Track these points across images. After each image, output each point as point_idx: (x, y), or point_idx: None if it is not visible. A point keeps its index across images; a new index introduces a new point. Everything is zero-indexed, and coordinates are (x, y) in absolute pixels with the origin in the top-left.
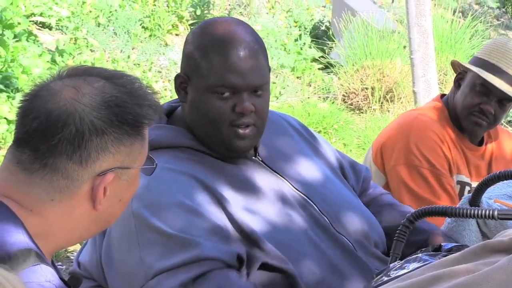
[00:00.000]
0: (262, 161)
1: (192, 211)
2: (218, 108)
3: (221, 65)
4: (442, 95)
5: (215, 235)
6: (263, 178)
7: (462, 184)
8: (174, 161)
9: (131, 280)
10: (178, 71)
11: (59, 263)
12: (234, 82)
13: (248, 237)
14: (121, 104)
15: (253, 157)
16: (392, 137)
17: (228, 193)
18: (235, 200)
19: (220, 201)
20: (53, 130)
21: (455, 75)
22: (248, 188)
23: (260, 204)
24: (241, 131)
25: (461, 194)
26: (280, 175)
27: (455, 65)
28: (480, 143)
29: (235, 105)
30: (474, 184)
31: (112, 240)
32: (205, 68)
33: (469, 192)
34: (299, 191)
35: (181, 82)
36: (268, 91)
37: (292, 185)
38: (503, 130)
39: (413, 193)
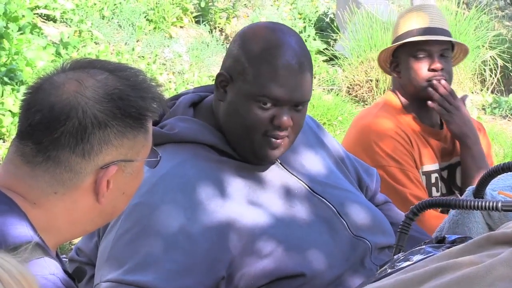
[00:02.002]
0: (281, 163)
1: (179, 242)
2: (257, 116)
3: (268, 76)
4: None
5: (184, 273)
6: (279, 179)
7: (427, 174)
8: (192, 160)
9: (97, 264)
10: (183, 63)
11: (63, 256)
12: (279, 96)
13: (243, 232)
14: (124, 97)
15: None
16: (355, 143)
17: (235, 190)
18: (239, 196)
19: (223, 198)
20: (56, 123)
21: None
22: (258, 185)
23: (264, 199)
24: (273, 141)
25: (428, 183)
26: (297, 177)
27: (381, 61)
28: (441, 126)
29: (274, 117)
30: (443, 164)
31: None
32: (251, 75)
33: (436, 179)
34: (315, 192)
35: (222, 80)
36: (307, 106)
37: (307, 186)
38: None
39: (387, 191)
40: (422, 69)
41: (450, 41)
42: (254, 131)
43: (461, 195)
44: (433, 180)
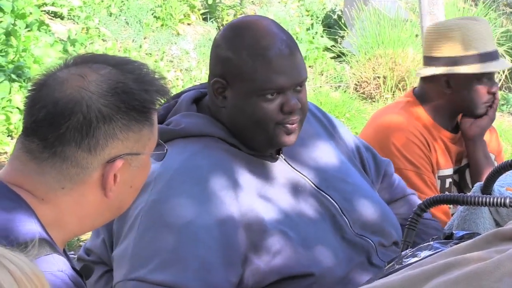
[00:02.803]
0: (285, 159)
1: (195, 234)
2: (265, 110)
3: (265, 68)
4: (414, 88)
5: (206, 269)
6: (283, 175)
7: (443, 179)
8: (203, 151)
9: (118, 261)
10: (190, 60)
11: (72, 252)
12: (281, 83)
13: (254, 227)
14: (128, 91)
15: (277, 155)
16: (372, 141)
17: (246, 183)
18: (250, 189)
19: (236, 190)
20: (61, 119)
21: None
22: (265, 181)
23: (273, 194)
24: (289, 126)
25: (442, 188)
26: (301, 173)
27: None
28: (456, 130)
29: (282, 104)
30: (455, 168)
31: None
32: (248, 72)
33: (450, 183)
34: (319, 188)
35: (218, 88)
36: (305, 84)
37: (312, 182)
38: None
39: None
40: (484, 93)
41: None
42: (267, 125)
43: None
44: (447, 185)
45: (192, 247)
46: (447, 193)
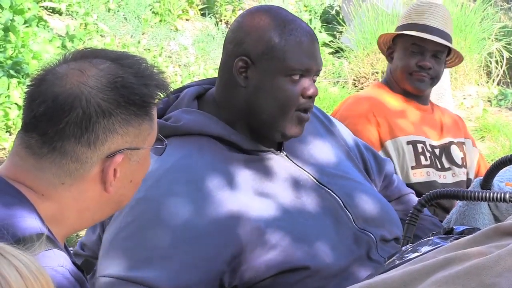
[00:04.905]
0: (286, 155)
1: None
2: (289, 91)
3: (296, 48)
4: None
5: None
6: (284, 170)
7: (414, 143)
8: (197, 153)
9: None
10: (188, 56)
11: (71, 248)
12: (309, 65)
13: (249, 226)
14: (127, 85)
15: (278, 151)
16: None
17: (242, 182)
18: (247, 187)
19: (230, 190)
20: (60, 114)
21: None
22: (265, 176)
23: (273, 190)
24: (304, 115)
25: (415, 152)
26: (303, 168)
27: (380, 43)
28: (425, 102)
29: (304, 89)
30: (432, 142)
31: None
32: (278, 51)
33: (423, 148)
34: (320, 183)
35: (241, 67)
36: None
37: (313, 177)
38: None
39: None
40: (411, 62)
41: (446, 45)
42: (289, 107)
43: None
44: (419, 150)
45: (176, 246)
46: (422, 157)
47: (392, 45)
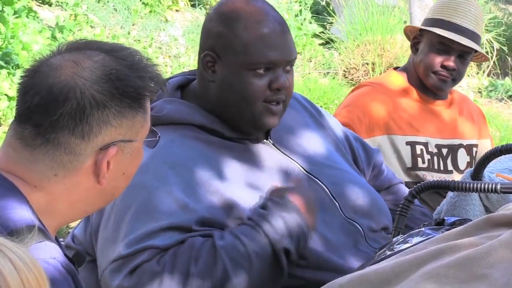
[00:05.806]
0: (273, 144)
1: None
2: (254, 85)
3: (258, 41)
4: (396, 68)
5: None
6: (271, 159)
7: (412, 144)
8: (180, 140)
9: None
10: (179, 47)
11: (61, 239)
12: (273, 58)
13: (235, 213)
14: (121, 77)
15: (265, 140)
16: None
17: (231, 171)
18: (237, 177)
19: (219, 180)
20: (55, 105)
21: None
22: (254, 166)
23: (263, 181)
24: (273, 107)
25: (413, 153)
26: (290, 157)
27: (407, 31)
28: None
29: (271, 81)
30: (439, 141)
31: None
32: (241, 46)
33: (421, 150)
34: (308, 172)
35: (208, 61)
36: (293, 67)
37: (301, 167)
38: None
39: None
40: (436, 60)
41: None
42: (255, 101)
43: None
44: (417, 151)
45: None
46: (419, 159)
47: (418, 35)
